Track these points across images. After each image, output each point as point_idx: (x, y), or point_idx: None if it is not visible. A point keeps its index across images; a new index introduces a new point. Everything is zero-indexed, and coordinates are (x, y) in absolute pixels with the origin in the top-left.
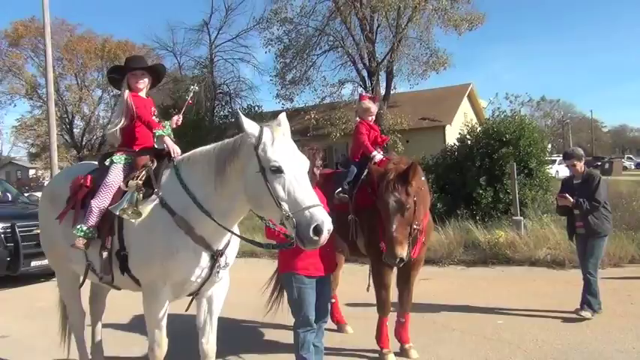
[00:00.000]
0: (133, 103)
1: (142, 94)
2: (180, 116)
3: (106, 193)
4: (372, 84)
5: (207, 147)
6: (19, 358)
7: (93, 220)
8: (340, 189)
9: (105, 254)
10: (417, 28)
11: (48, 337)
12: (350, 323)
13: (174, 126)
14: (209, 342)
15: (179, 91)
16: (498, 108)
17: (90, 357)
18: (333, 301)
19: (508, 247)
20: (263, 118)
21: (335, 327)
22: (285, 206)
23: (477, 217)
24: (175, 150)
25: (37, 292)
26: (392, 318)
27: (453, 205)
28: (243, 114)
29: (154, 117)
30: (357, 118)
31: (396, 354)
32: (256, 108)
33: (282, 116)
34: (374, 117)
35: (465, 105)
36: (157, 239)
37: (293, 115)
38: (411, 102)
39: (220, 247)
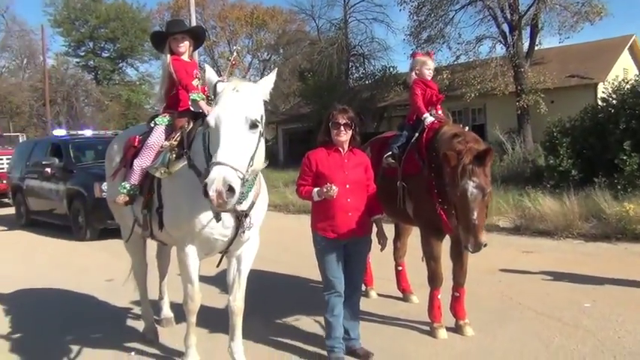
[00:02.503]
0: (173, 66)
1: (185, 57)
2: (225, 78)
3: (147, 154)
4: (513, 39)
5: None
6: (119, 299)
7: (135, 178)
8: (390, 153)
9: (145, 211)
10: None
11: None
12: (418, 293)
13: None
14: (236, 300)
15: (313, 53)
16: None
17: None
18: (400, 268)
19: (639, 222)
20: (397, 79)
21: (401, 295)
22: None
23: (619, 187)
24: (209, 111)
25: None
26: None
27: (591, 173)
28: (378, 75)
29: (196, 79)
30: (413, 77)
31: (450, 329)
32: (391, 69)
33: (273, 72)
34: (428, 72)
35: (624, 59)
36: (183, 199)
37: None
38: (559, 58)
39: (244, 208)
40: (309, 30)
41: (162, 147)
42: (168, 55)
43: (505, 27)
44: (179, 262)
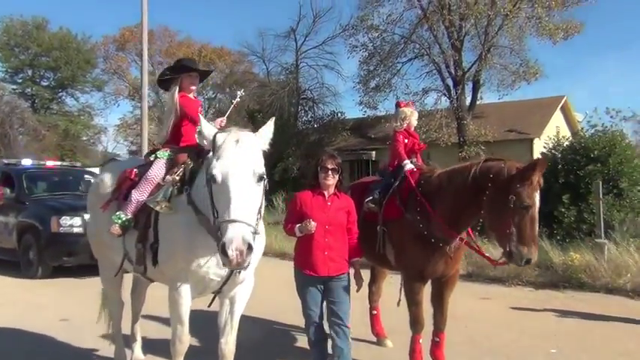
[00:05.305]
0: (182, 103)
1: (191, 95)
2: (224, 119)
3: (146, 187)
4: (456, 93)
5: None
6: (77, 340)
7: (131, 210)
8: (370, 197)
9: (140, 245)
10: (508, 36)
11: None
12: (392, 337)
13: (218, 127)
14: (227, 343)
15: (264, 95)
16: (589, 122)
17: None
18: (375, 312)
19: (583, 272)
20: (345, 124)
21: (375, 340)
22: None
23: (558, 237)
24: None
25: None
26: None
27: None
28: (326, 120)
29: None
30: (395, 126)
31: None
32: (339, 114)
33: (270, 122)
34: (412, 122)
35: (557, 118)
36: (180, 235)
37: (375, 122)
38: (498, 113)
39: None
40: (258, 72)
41: (164, 181)
42: (177, 92)
43: (449, 81)
44: (170, 302)
